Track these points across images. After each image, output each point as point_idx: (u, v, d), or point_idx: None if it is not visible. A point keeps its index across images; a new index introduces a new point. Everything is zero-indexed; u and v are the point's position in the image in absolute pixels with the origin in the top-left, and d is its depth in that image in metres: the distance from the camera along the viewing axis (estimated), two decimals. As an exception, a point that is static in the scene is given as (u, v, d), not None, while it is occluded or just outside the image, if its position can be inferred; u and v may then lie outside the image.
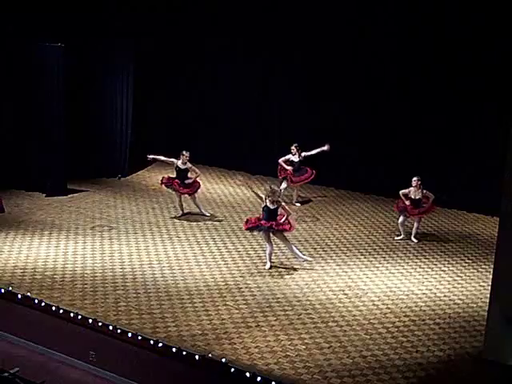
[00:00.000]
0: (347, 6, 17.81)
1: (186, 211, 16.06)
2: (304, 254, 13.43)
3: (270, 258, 13.14)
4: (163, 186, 16.05)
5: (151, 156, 16.01)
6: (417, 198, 14.49)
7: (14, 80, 16.77)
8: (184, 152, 15.56)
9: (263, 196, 13.31)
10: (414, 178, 14.47)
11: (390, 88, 17.63)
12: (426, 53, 17.01)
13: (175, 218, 15.82)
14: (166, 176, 16.00)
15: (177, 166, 15.61)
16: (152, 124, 20.46)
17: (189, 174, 15.71)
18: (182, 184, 15.58)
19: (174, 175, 15.81)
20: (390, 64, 17.52)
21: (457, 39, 16.60)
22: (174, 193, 16.14)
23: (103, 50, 18.20)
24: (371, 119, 17.97)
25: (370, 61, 17.76)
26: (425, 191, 14.49)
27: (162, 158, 15.87)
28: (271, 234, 13.03)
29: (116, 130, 19.06)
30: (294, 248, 13.29)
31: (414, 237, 14.85)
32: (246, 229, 13.35)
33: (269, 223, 12.80)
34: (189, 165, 15.59)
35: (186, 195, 15.88)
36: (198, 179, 15.82)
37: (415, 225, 14.88)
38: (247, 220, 13.37)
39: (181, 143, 20.69)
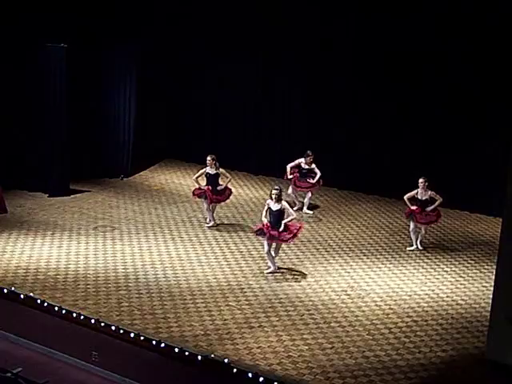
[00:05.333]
0: (349, 8, 17.86)
1: (218, 222, 15.54)
2: (276, 267, 13.08)
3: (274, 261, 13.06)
4: (196, 197, 15.37)
5: (197, 183, 15.15)
6: (423, 198, 14.17)
7: (17, 80, 16.77)
8: (208, 157, 14.99)
9: (268, 201, 13.07)
10: (420, 180, 14.11)
11: (392, 89, 17.60)
12: (428, 54, 16.99)
13: (208, 227, 15.20)
14: (197, 187, 15.17)
15: (207, 173, 14.98)
16: (154, 124, 20.45)
17: (220, 180, 15.10)
18: (215, 191, 14.90)
19: (205, 182, 15.13)
20: (391, 64, 17.48)
21: (457, 39, 16.61)
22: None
23: (106, 50, 18.19)
24: (374, 119, 17.95)
25: (372, 61, 17.74)
26: (432, 192, 14.16)
27: (198, 173, 15.20)
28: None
29: (119, 130, 19.06)
30: (275, 257, 13.06)
31: (420, 244, 14.52)
32: (255, 231, 13.17)
33: (275, 232, 12.67)
34: (220, 170, 14.99)
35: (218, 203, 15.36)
36: (229, 185, 15.29)
37: (422, 231, 14.55)
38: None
39: (183, 143, 20.88)
